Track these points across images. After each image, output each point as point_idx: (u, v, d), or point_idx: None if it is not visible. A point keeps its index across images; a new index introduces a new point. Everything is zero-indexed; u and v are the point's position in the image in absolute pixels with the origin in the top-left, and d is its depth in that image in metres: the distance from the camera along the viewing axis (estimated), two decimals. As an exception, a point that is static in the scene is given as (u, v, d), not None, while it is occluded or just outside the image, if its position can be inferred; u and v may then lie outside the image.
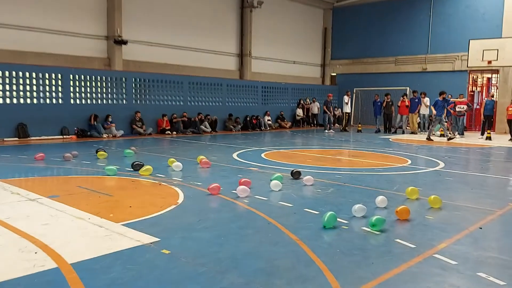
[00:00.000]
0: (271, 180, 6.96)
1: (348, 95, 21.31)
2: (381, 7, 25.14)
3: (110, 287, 3.20)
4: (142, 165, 8.01)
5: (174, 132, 17.21)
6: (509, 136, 17.23)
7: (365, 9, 25.89)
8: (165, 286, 3.24)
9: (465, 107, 18.36)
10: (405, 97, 20.15)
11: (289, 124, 22.83)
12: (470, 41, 19.98)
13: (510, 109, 17.19)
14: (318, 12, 27.23)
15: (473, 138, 17.65)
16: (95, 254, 3.82)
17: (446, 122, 17.64)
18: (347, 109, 21.36)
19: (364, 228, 4.78)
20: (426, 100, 19.37)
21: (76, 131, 14.83)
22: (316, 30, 27.35)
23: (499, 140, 17.05)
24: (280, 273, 3.53)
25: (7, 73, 13.69)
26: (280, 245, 4.19)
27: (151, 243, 4.14)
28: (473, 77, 22.86)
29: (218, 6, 21.24)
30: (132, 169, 8.09)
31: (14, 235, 4.31)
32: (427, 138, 16.40)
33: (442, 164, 9.98)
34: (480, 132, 18.35)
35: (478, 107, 22.64)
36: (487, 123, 17.70)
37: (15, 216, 4.94)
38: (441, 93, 17.01)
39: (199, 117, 18.22)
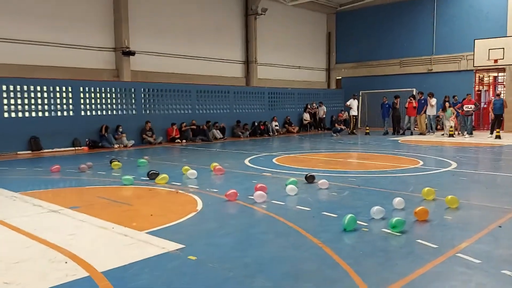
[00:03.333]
0: (286, 185, 7.03)
1: (355, 98, 21.41)
2: (384, 10, 25.23)
3: (142, 294, 3.28)
4: (158, 174, 8.10)
5: (184, 140, 17.31)
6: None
7: (368, 12, 25.98)
8: (196, 291, 3.31)
9: (473, 106, 18.35)
10: (412, 98, 20.17)
11: (297, 128, 22.89)
12: (476, 40, 20.02)
13: (518, 107, 17.17)
14: (321, 17, 27.37)
15: (482, 138, 17.62)
16: (124, 262, 3.89)
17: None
18: (354, 112, 21.43)
19: (384, 229, 4.83)
20: (432, 101, 19.35)
21: (87, 143, 14.97)
22: (320, 34, 27.48)
23: (508, 138, 17.01)
24: (307, 276, 3.59)
25: (18, 87, 13.87)
26: (303, 249, 4.25)
27: (177, 250, 4.22)
28: (479, 76, 22.85)
29: (222, 15, 21.43)
30: (148, 178, 8.18)
31: (42, 245, 4.40)
32: None
33: (454, 164, 10.00)
34: (489, 131, 18.31)
35: (485, 106, 22.63)
36: (496, 122, 17.68)
37: (40, 228, 5.04)
38: None
39: (207, 124, 18.34)
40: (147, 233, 4.78)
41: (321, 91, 26.07)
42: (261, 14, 22.02)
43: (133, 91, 16.79)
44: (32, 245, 4.43)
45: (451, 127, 18.46)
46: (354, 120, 21.58)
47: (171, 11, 19.02)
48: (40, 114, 14.43)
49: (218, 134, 18.45)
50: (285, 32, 24.69)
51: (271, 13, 22.87)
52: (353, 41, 26.72)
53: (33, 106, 14.27)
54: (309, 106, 23.79)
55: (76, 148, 14.74)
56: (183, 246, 4.32)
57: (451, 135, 18.23)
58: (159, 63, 18.53)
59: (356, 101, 21.54)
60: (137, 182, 8.00)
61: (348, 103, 21.53)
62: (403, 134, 20.27)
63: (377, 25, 25.53)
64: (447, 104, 18.67)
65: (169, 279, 3.54)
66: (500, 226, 4.97)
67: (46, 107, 14.56)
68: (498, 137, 16.98)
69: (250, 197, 6.47)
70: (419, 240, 4.46)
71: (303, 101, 24.13)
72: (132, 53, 17.11)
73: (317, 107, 24.07)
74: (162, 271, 3.69)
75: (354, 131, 21.39)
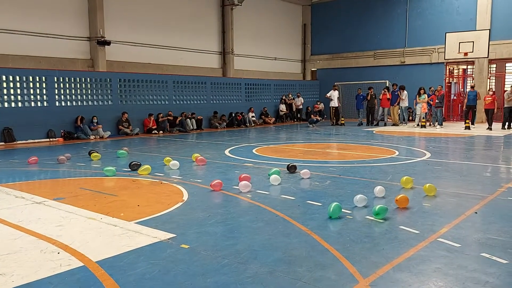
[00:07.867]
0: (269, 175, 7.14)
1: (335, 89, 21.27)
2: (359, 2, 25.55)
3: (140, 282, 3.33)
4: (140, 165, 8.09)
5: (161, 132, 17.21)
6: (486, 125, 17.83)
7: (343, 4, 26.27)
8: (193, 278, 3.39)
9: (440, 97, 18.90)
10: (386, 90, 20.56)
11: (273, 119, 23.05)
12: (447, 34, 20.53)
13: (487, 99, 17.79)
14: (297, 8, 27.50)
15: (453, 128, 18.20)
16: (117, 251, 3.94)
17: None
18: (335, 103, 21.29)
19: (368, 217, 5.02)
20: (403, 94, 19.76)
21: (62, 134, 14.71)
22: (296, 26, 27.62)
23: (478, 129, 17.63)
24: (299, 261, 3.72)
25: (-11, 77, 13.50)
26: (293, 236, 4.38)
27: (168, 239, 4.28)
28: (449, 68, 23.49)
29: (199, 5, 21.27)
30: (130, 169, 8.15)
31: (31, 237, 4.38)
32: None
33: (428, 154, 10.34)
34: (463, 122, 18.92)
35: (455, 98, 23.33)
36: (470, 113, 18.26)
37: (26, 219, 5.00)
38: None
39: (183, 115, 18.24)
40: (136, 223, 4.81)
41: (297, 82, 26.28)
42: (238, 4, 21.95)
43: (109, 81, 16.55)
44: (20, 236, 4.41)
45: (423, 118, 18.97)
46: (334, 111, 21.40)
47: (146, 0, 18.75)
48: (13, 104, 14.08)
49: (192, 125, 18.34)
50: (261, 23, 24.72)
51: (248, 4, 22.84)
52: (328, 33, 26.97)
53: (5, 97, 13.90)
54: (285, 97, 23.96)
55: (51, 139, 14.47)
56: (174, 235, 4.38)
57: (423, 126, 18.75)
58: (135, 53, 18.29)
59: (336, 92, 21.25)
60: (119, 173, 7.97)
61: (328, 94, 21.38)
62: (377, 125, 20.68)
63: (352, 17, 25.85)
64: (422, 90, 19.12)
65: (165, 267, 3.61)
66: (476, 212, 5.23)
67: (19, 97, 14.21)
68: (467, 128, 17.57)
69: (234, 187, 6.56)
70: (401, 226, 4.66)
71: (279, 92, 24.29)
72: (108, 43, 16.82)
73: (294, 98, 24.24)
74: (157, 260, 3.75)
75: (339, 122, 21.25)
